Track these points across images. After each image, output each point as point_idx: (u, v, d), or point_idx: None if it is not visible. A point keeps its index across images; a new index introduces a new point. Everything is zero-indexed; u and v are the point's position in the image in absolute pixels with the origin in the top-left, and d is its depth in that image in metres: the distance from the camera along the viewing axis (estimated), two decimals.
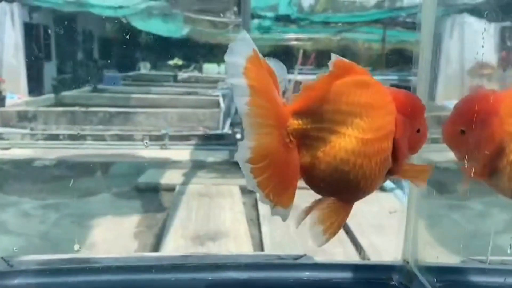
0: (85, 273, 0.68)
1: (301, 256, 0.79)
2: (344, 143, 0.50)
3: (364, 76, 0.53)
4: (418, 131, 0.54)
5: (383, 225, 3.39)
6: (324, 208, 0.56)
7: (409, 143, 0.54)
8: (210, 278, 0.69)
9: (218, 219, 3.40)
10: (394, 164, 0.54)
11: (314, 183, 0.53)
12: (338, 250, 2.88)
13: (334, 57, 0.51)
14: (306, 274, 0.76)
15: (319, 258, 0.82)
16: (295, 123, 0.51)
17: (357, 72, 0.51)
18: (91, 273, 0.68)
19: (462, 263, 0.78)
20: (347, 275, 0.74)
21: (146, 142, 3.60)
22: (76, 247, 0.70)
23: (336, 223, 0.55)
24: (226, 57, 0.46)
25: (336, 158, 0.50)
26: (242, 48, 0.46)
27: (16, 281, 0.64)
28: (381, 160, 0.52)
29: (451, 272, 0.71)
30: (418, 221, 0.68)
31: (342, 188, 0.52)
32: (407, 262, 0.69)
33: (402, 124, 0.52)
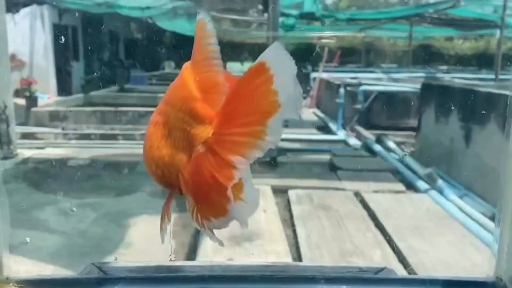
0: (178, 282, 0.70)
1: (382, 269, 0.79)
2: None
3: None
4: None
5: (419, 227, 3.35)
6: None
7: None
8: None
9: (252, 219, 3.39)
10: None
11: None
12: (377, 252, 2.86)
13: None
14: None
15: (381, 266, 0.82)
16: None
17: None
18: (183, 282, 0.70)
19: None
20: None
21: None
22: (172, 257, 0.72)
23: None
24: None
25: None
26: None
27: None
28: None
29: None
30: None
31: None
32: (501, 279, 0.68)
33: None
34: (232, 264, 0.75)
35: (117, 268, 0.74)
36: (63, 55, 10.68)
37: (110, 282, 0.69)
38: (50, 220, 3.43)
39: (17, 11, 7.67)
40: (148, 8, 8.50)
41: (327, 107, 9.10)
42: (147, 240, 3.14)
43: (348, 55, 13.34)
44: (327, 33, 11.22)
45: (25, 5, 8.20)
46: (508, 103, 0.68)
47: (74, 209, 3.47)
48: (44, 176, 4.60)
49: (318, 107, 10.01)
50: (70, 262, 2.65)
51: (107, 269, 0.74)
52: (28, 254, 2.58)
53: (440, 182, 4.10)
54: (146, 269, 0.73)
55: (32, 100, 7.49)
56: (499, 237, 0.67)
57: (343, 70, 11.05)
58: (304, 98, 11.60)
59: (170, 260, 0.72)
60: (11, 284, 0.65)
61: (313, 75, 11.23)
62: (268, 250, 2.91)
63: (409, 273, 2.48)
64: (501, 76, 6.71)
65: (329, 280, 0.75)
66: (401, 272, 2.64)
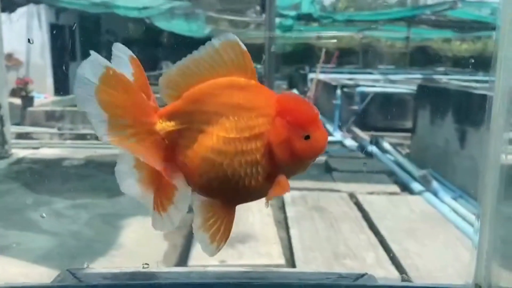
0: None
1: (362, 276, 0.78)
2: (207, 141, 0.51)
3: (241, 78, 0.53)
4: (307, 138, 0.52)
5: (413, 229, 3.34)
6: (207, 212, 0.54)
7: (293, 150, 0.51)
8: None
9: (246, 221, 3.40)
10: (274, 169, 0.53)
11: (190, 183, 0.54)
12: (370, 255, 2.85)
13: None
14: None
15: (379, 276, 0.81)
16: (166, 125, 0.52)
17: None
18: None
19: None
20: None
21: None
22: (146, 265, 0.70)
23: (221, 228, 0.55)
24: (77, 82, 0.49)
25: (199, 156, 0.51)
26: (92, 70, 0.49)
27: None
28: (248, 161, 0.51)
29: None
30: (492, 240, 0.66)
31: (213, 188, 0.52)
32: (480, 287, 0.67)
33: (280, 127, 0.51)
34: (209, 270, 0.74)
35: (92, 274, 0.73)
36: (60, 55, 10.65)
37: None
38: (43, 221, 3.41)
39: (14, 10, 7.64)
40: (145, 8, 8.48)
41: (324, 108, 9.09)
42: (140, 241, 3.13)
43: (345, 56, 13.32)
44: (325, 34, 11.22)
45: (22, 4, 8.17)
46: (487, 103, 0.67)
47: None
48: (38, 176, 4.58)
49: None
50: (61, 264, 2.63)
51: (81, 276, 0.72)
52: (18, 256, 2.57)
53: (435, 183, 4.10)
54: (121, 275, 0.72)
55: (28, 100, 7.46)
56: (478, 244, 0.67)
57: (340, 71, 11.04)
58: None
59: (143, 267, 0.70)
60: None
61: (310, 76, 11.23)
62: (262, 252, 2.90)
63: (404, 280, 2.47)
64: None
65: (307, 287, 0.74)
66: (394, 275, 2.63)
